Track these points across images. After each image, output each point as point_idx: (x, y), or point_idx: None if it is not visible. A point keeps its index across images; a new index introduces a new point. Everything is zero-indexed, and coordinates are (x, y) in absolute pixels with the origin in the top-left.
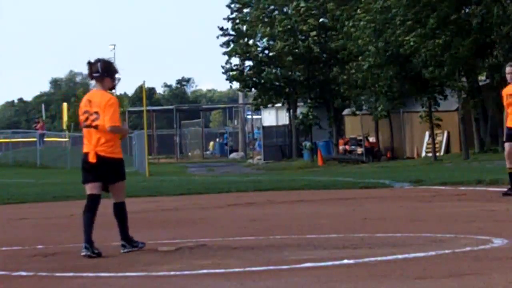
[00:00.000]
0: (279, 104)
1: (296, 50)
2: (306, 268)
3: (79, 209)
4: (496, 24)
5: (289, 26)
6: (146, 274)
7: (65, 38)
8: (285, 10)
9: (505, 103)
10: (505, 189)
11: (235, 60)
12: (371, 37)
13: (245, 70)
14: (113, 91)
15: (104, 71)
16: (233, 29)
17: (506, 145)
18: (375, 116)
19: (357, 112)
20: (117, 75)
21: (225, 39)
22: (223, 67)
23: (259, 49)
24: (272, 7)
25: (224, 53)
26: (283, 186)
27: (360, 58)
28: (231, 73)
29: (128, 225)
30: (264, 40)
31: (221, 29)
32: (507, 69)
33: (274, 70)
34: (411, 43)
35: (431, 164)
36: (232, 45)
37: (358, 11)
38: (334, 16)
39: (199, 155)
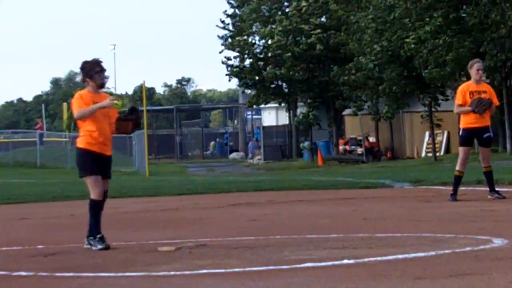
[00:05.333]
0: (276, 104)
1: (297, 49)
2: (306, 268)
3: (79, 209)
4: (494, 24)
5: (289, 27)
6: (146, 274)
7: (65, 38)
8: (286, 10)
9: None
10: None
11: (234, 55)
12: (373, 38)
13: (245, 68)
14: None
15: (83, 75)
16: (233, 25)
17: None
18: (380, 116)
19: (358, 112)
20: (95, 72)
21: (225, 32)
22: (223, 62)
23: (258, 47)
24: (266, 6)
25: (222, 44)
26: (283, 186)
27: (360, 57)
28: (230, 68)
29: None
30: (263, 40)
31: (222, 22)
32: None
33: (273, 70)
34: (412, 45)
35: (431, 164)
36: (230, 40)
37: (363, 4)
38: (336, 17)
39: (199, 155)
